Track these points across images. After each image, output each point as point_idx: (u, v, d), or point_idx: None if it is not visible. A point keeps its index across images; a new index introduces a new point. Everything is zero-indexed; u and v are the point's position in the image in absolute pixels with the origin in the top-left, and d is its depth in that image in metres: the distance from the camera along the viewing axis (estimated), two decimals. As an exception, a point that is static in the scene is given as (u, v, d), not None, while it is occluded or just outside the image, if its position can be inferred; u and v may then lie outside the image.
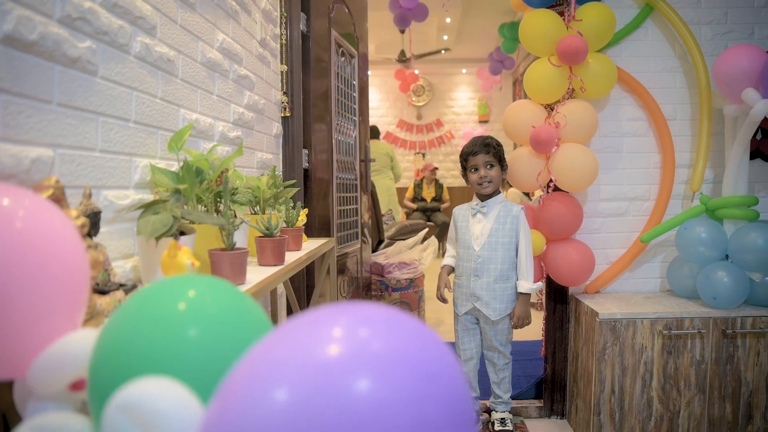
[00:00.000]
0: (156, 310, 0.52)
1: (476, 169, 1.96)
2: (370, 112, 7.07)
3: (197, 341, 0.51)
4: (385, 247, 3.66)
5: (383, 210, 4.47)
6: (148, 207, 0.97)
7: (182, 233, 1.00)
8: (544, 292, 2.29)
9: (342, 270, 2.58)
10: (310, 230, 2.25)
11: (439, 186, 6.74)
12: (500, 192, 2.02)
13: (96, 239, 0.91)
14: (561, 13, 2.06)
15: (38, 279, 0.54)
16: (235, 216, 1.25)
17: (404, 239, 3.70)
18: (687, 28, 2.08)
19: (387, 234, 3.94)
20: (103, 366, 0.49)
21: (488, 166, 1.95)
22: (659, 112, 2.14)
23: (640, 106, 2.20)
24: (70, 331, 0.58)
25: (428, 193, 6.70)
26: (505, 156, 2.04)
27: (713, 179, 2.20)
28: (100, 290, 0.85)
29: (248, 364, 0.40)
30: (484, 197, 1.99)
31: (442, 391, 0.37)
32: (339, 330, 0.41)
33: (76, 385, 0.55)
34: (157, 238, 0.91)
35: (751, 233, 1.87)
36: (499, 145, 1.99)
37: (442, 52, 6.93)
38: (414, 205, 6.64)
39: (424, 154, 7.72)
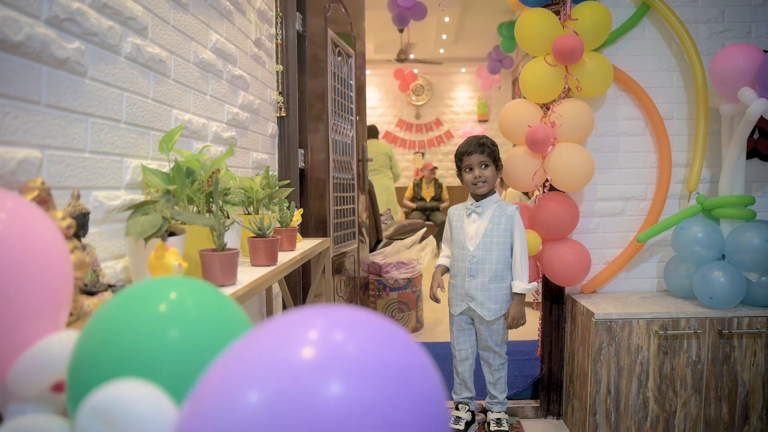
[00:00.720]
0: (136, 311, 0.52)
1: (471, 169, 1.96)
2: (369, 111, 7.07)
3: (177, 343, 0.50)
4: (384, 246, 3.66)
5: (382, 209, 4.48)
6: (137, 208, 0.97)
7: (173, 234, 1.00)
8: (540, 292, 2.28)
9: (339, 270, 2.58)
10: (307, 230, 2.25)
11: (438, 185, 6.74)
12: (495, 192, 2.02)
13: (86, 240, 0.91)
14: (557, 12, 2.05)
15: (19, 281, 0.53)
16: (227, 216, 1.25)
17: (402, 239, 3.70)
18: (684, 26, 2.07)
19: (385, 233, 3.94)
20: (80, 368, 0.49)
21: (483, 166, 1.95)
22: (656, 111, 2.14)
23: (637, 105, 2.19)
24: (52, 333, 0.58)
25: (427, 192, 6.70)
26: (501, 156, 2.04)
27: (710, 179, 2.19)
28: (88, 291, 0.84)
29: (221, 366, 0.40)
30: (478, 197, 1.99)
31: (414, 396, 0.37)
32: (314, 333, 0.41)
33: (57, 387, 0.55)
34: (146, 239, 0.91)
35: (748, 233, 1.86)
36: (494, 144, 1.98)
37: (441, 50, 6.92)
38: (413, 205, 6.64)
39: (423, 154, 7.72)
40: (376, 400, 0.35)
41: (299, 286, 2.17)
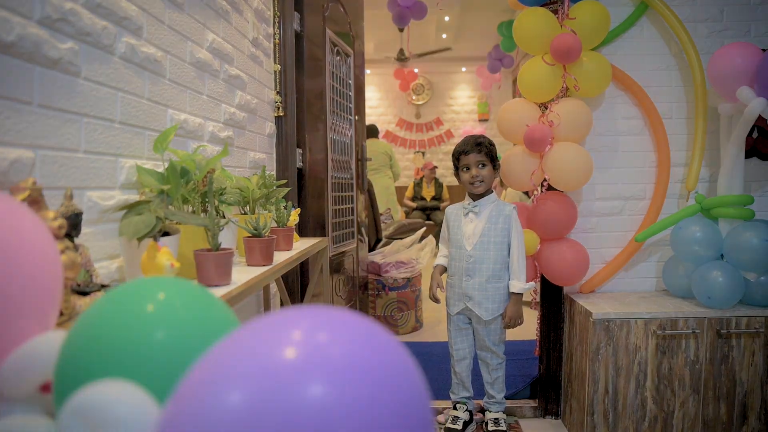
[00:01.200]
0: (123, 312, 0.52)
1: (468, 169, 1.96)
2: (370, 110, 7.06)
3: (163, 343, 0.50)
4: (383, 246, 3.66)
5: (382, 209, 4.47)
6: (131, 208, 0.97)
7: (167, 234, 1.00)
8: (538, 291, 2.28)
9: (338, 269, 2.58)
10: (305, 230, 2.25)
11: (438, 185, 6.73)
12: (492, 191, 2.02)
13: (80, 240, 0.91)
14: (555, 11, 2.05)
15: (7, 281, 0.53)
16: (223, 216, 1.25)
17: (402, 238, 3.70)
18: (682, 25, 2.06)
19: (385, 233, 3.94)
20: (66, 368, 0.48)
21: (480, 166, 1.94)
22: (654, 110, 2.13)
23: (636, 104, 2.19)
24: (41, 333, 0.58)
25: (428, 192, 6.69)
26: (500, 155, 2.03)
27: (709, 178, 2.19)
28: (81, 291, 0.84)
29: (203, 366, 0.40)
30: (476, 197, 1.99)
31: (396, 398, 0.37)
32: (298, 333, 0.41)
33: (45, 388, 0.55)
34: (140, 239, 0.91)
35: (746, 232, 1.86)
36: (491, 144, 1.98)
37: (443, 49, 6.90)
38: (414, 204, 6.63)
39: (423, 153, 7.71)
40: (358, 402, 0.35)
41: (297, 286, 2.17)
